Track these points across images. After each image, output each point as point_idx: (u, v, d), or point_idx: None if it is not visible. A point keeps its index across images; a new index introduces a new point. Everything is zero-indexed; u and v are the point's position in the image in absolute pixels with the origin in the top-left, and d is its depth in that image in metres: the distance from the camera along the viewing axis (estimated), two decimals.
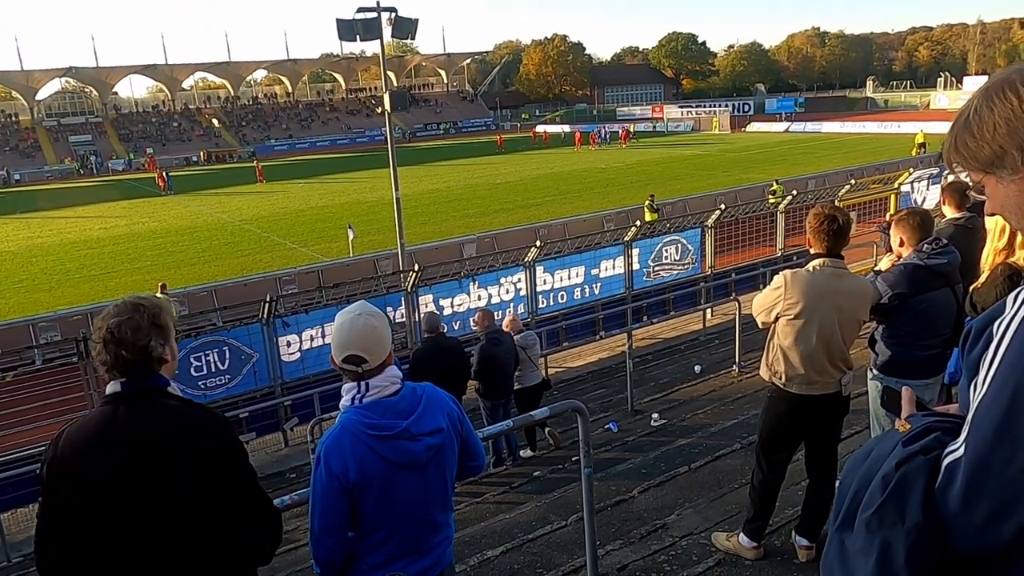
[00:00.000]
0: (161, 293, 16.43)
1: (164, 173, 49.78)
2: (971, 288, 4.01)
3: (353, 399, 2.43)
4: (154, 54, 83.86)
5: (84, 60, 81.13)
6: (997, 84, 1.13)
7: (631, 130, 64.79)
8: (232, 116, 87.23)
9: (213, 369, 11.64)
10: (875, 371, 4.23)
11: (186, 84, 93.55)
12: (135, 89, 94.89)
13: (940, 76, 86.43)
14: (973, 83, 77.73)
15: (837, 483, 4.37)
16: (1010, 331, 1.03)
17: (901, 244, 4.06)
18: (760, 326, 4.07)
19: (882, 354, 4.14)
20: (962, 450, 1.04)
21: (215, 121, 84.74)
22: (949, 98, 76.40)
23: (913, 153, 36.09)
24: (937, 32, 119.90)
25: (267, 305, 11.90)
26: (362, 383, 2.42)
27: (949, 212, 4.81)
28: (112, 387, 2.17)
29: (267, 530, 2.32)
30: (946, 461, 1.06)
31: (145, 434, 2.10)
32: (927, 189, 19.70)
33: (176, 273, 23.13)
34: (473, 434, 2.70)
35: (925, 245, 3.97)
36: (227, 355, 11.75)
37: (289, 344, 12.32)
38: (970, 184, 5.13)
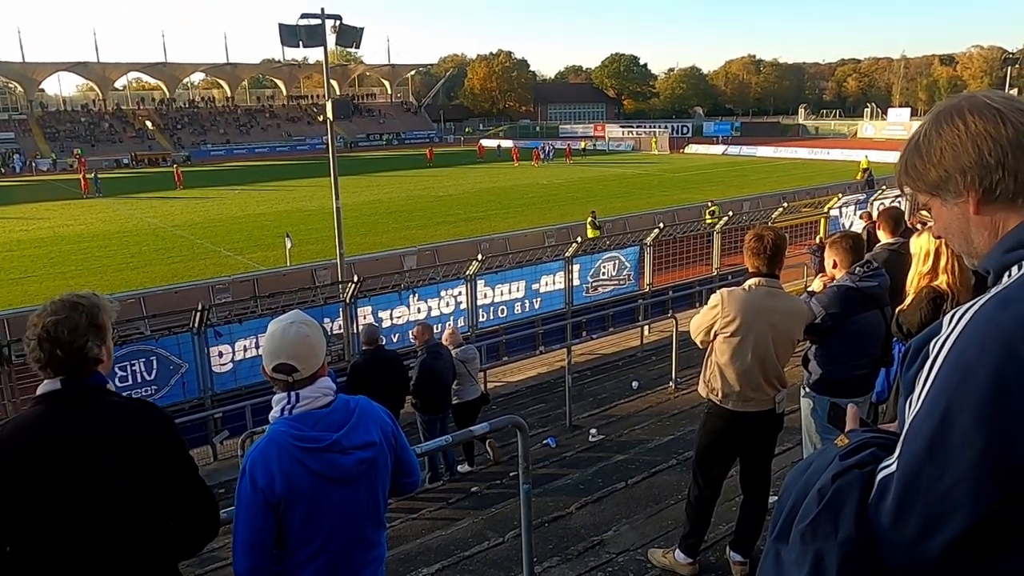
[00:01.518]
0: None
1: (90, 175, 47.79)
2: (897, 310, 4.17)
3: (283, 410, 2.35)
4: (86, 52, 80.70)
5: (9, 55, 76.96)
6: (946, 111, 1.17)
7: (580, 147, 65.54)
8: (167, 119, 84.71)
9: (139, 379, 11.20)
10: (808, 389, 4.35)
11: (119, 84, 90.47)
12: (64, 87, 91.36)
13: (867, 106, 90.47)
14: (897, 114, 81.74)
15: (771, 498, 4.49)
16: (944, 350, 1.05)
17: (834, 266, 4.20)
18: (700, 345, 4.13)
19: (815, 373, 4.26)
20: (895, 466, 1.05)
21: (148, 123, 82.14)
22: (875, 127, 79.93)
23: (857, 177, 37.72)
24: (864, 64, 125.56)
25: (199, 314, 11.53)
26: (292, 393, 2.34)
27: (883, 237, 5.00)
28: (49, 385, 2.11)
29: (205, 518, 2.26)
30: (879, 476, 1.08)
31: (92, 433, 2.06)
32: (854, 214, 20.52)
33: (103, 279, 22.23)
34: (408, 450, 2.64)
35: (857, 268, 4.11)
36: (154, 365, 11.33)
37: (221, 354, 11.95)
38: (903, 212, 5.35)
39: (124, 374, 11.04)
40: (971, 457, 0.97)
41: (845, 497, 1.09)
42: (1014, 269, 1.10)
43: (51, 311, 2.12)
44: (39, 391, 2.12)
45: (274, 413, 2.38)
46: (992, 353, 0.98)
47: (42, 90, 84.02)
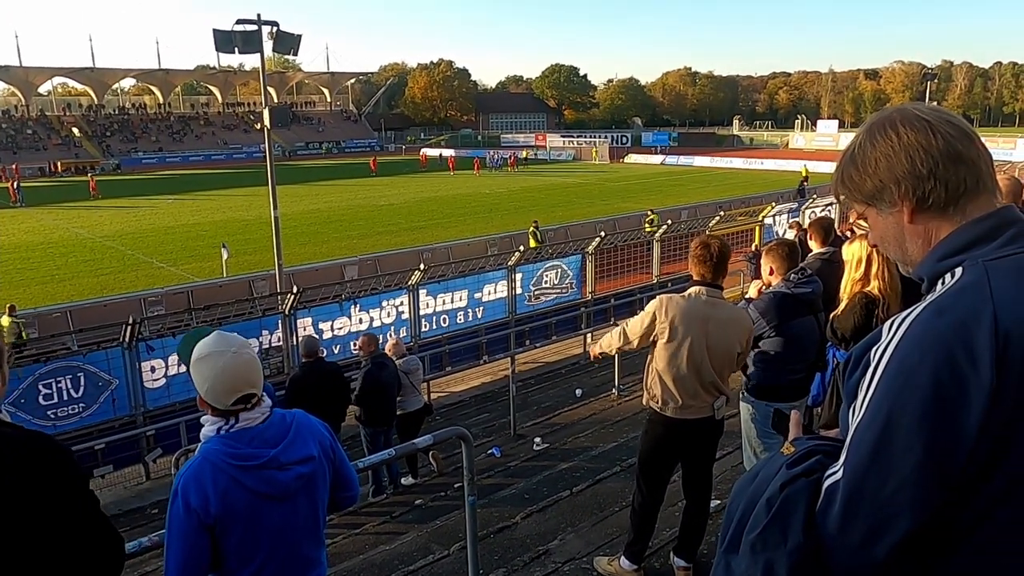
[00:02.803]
0: (9, 315, 15.03)
1: (16, 183, 45.80)
2: (832, 315, 4.29)
3: (219, 429, 2.25)
4: (7, 55, 77.11)
5: None
6: (879, 122, 1.20)
7: (523, 156, 65.90)
8: (95, 126, 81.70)
9: (65, 397, 10.70)
10: (746, 394, 4.43)
11: (43, 89, 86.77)
12: None
13: (797, 118, 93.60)
14: (825, 126, 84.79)
15: (714, 502, 4.54)
16: (885, 357, 1.07)
17: (771, 273, 4.29)
18: (632, 347, 4.15)
19: (752, 378, 4.34)
20: (840, 472, 1.07)
21: (75, 130, 79.09)
22: (805, 138, 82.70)
23: (804, 184, 39.40)
24: (795, 78, 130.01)
25: (129, 328, 11.10)
26: (231, 417, 2.25)
27: (814, 246, 5.14)
28: None
29: (108, 559, 2.07)
30: (826, 484, 1.09)
31: None
32: (787, 222, 21.16)
33: (26, 292, 21.23)
34: (346, 463, 2.57)
35: (792, 275, 4.21)
36: (82, 382, 10.85)
37: (154, 369, 11.53)
38: (833, 221, 5.53)
39: (49, 391, 10.56)
40: (913, 462, 0.99)
41: (793, 506, 1.09)
42: (947, 277, 1.12)
43: None
44: None
45: (207, 431, 2.28)
46: (931, 360, 1.01)
47: None
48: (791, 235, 18.06)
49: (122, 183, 56.52)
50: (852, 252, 4.19)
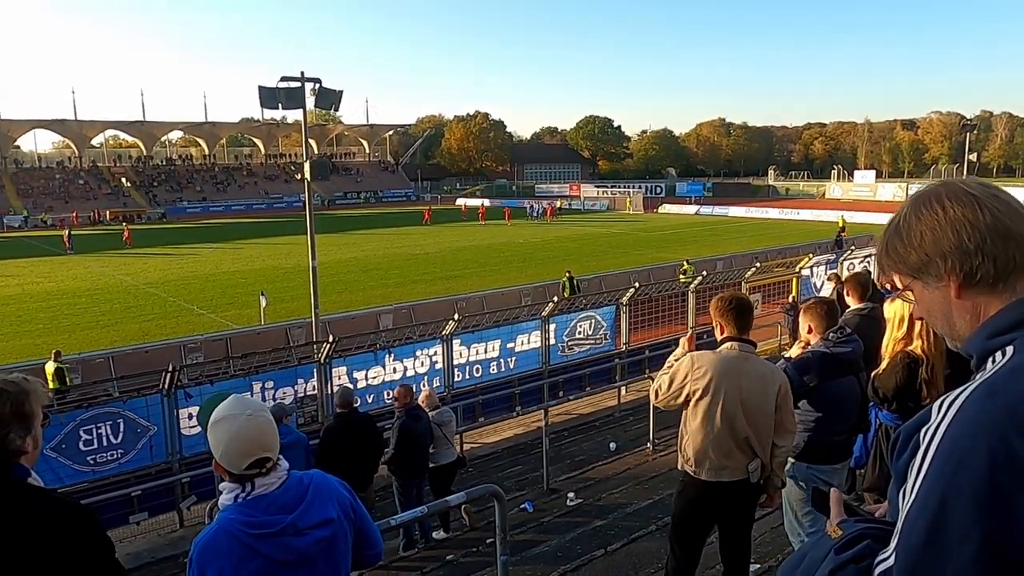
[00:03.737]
0: (55, 360, 15.38)
1: (64, 232, 47.50)
2: (873, 374, 4.19)
3: (236, 497, 2.23)
4: (64, 109, 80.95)
5: None
6: (925, 196, 1.20)
7: (557, 206, 66.36)
8: (143, 176, 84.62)
9: (105, 443, 10.85)
10: None
11: (96, 141, 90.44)
12: (39, 144, 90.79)
13: (833, 168, 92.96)
14: (862, 176, 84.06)
15: (753, 566, 4.38)
16: (936, 439, 1.04)
17: (809, 331, 4.23)
18: (663, 408, 4.07)
19: None
20: (892, 559, 1.03)
21: (124, 180, 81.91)
22: (841, 189, 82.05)
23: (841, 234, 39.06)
24: (830, 128, 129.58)
25: (168, 375, 11.28)
26: (247, 483, 2.22)
27: (852, 302, 5.06)
28: None
29: None
30: (877, 571, 1.06)
31: (1, 536, 1.92)
32: (825, 274, 20.88)
33: (71, 338, 21.78)
34: (368, 520, 2.53)
35: (831, 334, 4.14)
36: (121, 428, 11.01)
37: (191, 417, 11.64)
38: (871, 276, 5.44)
39: (90, 437, 10.72)
40: (970, 551, 0.96)
41: None
42: (998, 355, 1.10)
43: None
44: None
45: (224, 499, 2.27)
46: (984, 443, 0.98)
47: (17, 147, 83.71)
48: (829, 287, 17.83)
49: (167, 231, 58.20)
50: (894, 310, 4.12)
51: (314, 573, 2.30)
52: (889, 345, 4.12)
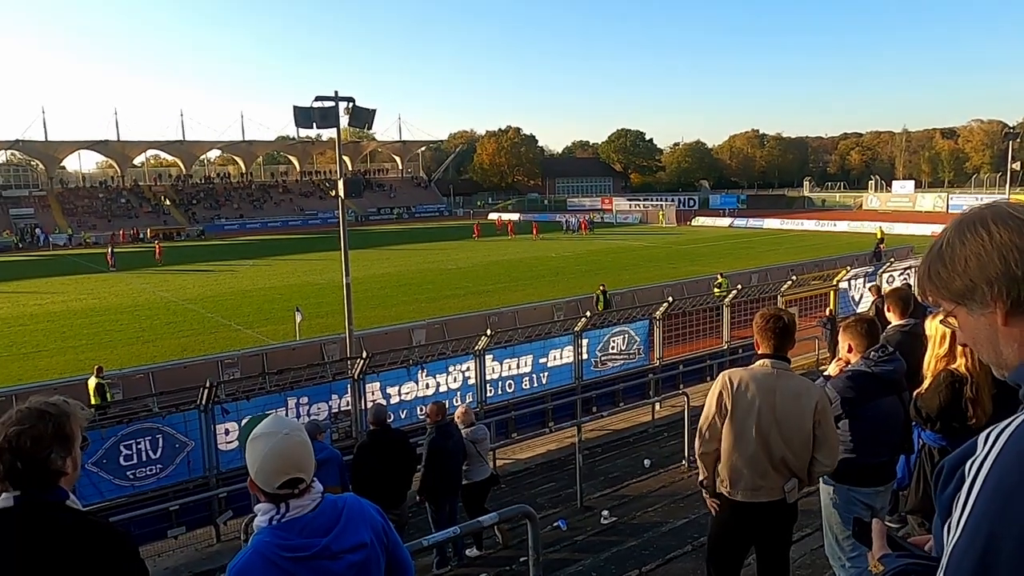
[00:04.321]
0: (97, 376, 15.73)
1: (106, 249, 48.81)
2: (915, 394, 4.09)
3: (271, 519, 2.24)
4: (107, 130, 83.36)
5: (33, 134, 79.16)
6: (969, 219, 1.16)
7: (591, 219, 66.23)
8: (183, 194, 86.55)
9: (144, 458, 11.03)
10: (827, 477, 4.21)
11: (137, 161, 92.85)
12: (84, 164, 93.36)
13: (871, 179, 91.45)
14: (901, 186, 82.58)
15: None
16: (982, 473, 1.01)
17: (849, 350, 4.14)
18: (703, 448, 3.97)
19: None
20: None
21: (165, 198, 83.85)
22: (879, 200, 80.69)
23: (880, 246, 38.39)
24: (867, 138, 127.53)
25: (207, 391, 11.45)
26: (282, 504, 2.23)
27: (893, 319, 4.94)
28: (2, 502, 2.02)
29: None
30: None
31: (40, 557, 1.96)
32: (863, 287, 20.51)
33: (113, 353, 22.27)
34: (400, 546, 2.52)
35: (872, 353, 4.04)
36: (160, 443, 11.18)
37: (227, 432, 11.80)
38: (912, 291, 5.32)
39: (129, 452, 10.91)
40: None
41: None
42: None
43: (15, 420, 2.04)
44: None
45: (259, 521, 2.27)
46: None
47: (63, 167, 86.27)
48: (869, 299, 17.48)
49: (205, 248, 59.33)
50: (936, 327, 4.01)
51: None
52: (931, 363, 4.01)
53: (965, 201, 71.33)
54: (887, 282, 19.04)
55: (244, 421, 11.04)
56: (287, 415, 10.28)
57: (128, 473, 10.91)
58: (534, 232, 59.61)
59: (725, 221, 69.89)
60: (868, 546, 1.33)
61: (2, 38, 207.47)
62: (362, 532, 2.33)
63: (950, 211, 69.10)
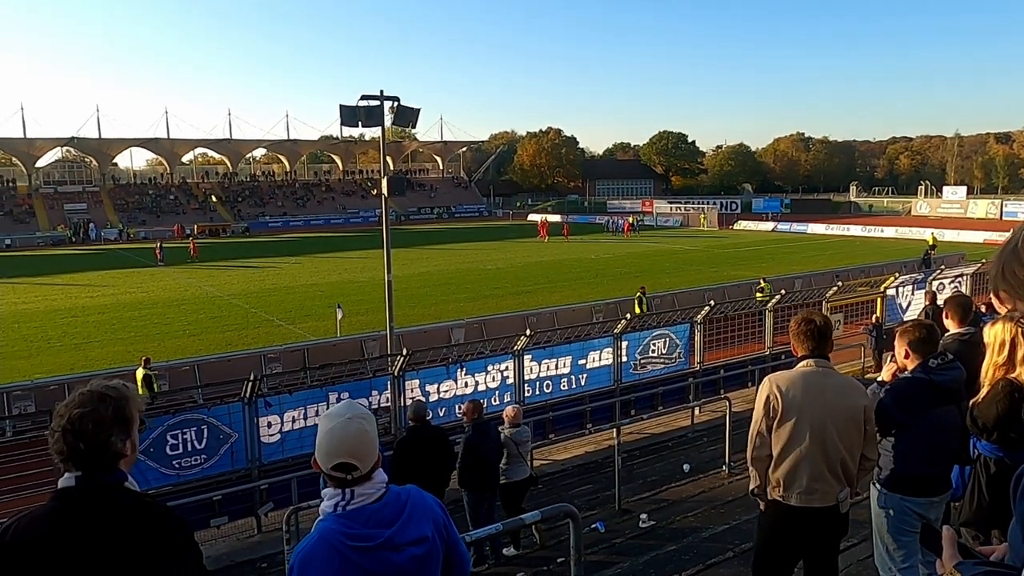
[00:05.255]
0: (144, 367, 16.14)
1: (154, 244, 50.15)
2: (972, 403, 3.96)
3: (336, 506, 2.27)
4: (157, 128, 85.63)
5: (88, 131, 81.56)
6: None
7: (631, 221, 65.75)
8: (229, 192, 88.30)
9: (189, 448, 11.28)
10: (879, 486, 4.11)
11: (186, 158, 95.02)
12: (135, 161, 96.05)
13: (921, 184, 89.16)
14: (952, 192, 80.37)
15: None
16: None
17: (906, 356, 4.03)
18: (754, 459, 3.91)
19: (886, 468, 4.04)
20: None
21: (213, 196, 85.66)
22: (929, 206, 78.64)
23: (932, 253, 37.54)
24: (917, 143, 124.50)
25: (250, 384, 11.66)
26: (347, 490, 2.27)
27: (951, 326, 4.80)
28: (65, 481, 2.08)
29: None
30: None
31: (100, 536, 2.01)
32: (912, 293, 19.99)
33: (160, 346, 22.82)
34: (459, 541, 2.53)
35: (932, 360, 3.93)
36: (205, 434, 11.42)
37: (270, 425, 12.01)
38: (971, 298, 5.16)
39: (176, 442, 11.16)
40: None
41: None
42: None
43: (77, 403, 2.08)
44: (59, 485, 2.09)
45: (325, 507, 2.31)
46: None
47: (115, 164, 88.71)
48: (918, 306, 17.04)
49: (250, 245, 60.46)
50: (994, 334, 3.87)
51: None
52: (989, 371, 3.87)
53: (1020, 208, 69.17)
54: (937, 290, 18.53)
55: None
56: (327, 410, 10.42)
57: (174, 462, 11.16)
58: (564, 233, 59.08)
59: (768, 225, 68.79)
60: (935, 553, 1.29)
61: (62, 40, 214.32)
62: (424, 526, 2.35)
63: (1004, 218, 67.06)
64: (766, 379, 3.85)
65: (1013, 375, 3.79)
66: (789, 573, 4.06)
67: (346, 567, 2.22)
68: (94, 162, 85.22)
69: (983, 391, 3.90)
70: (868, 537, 4.76)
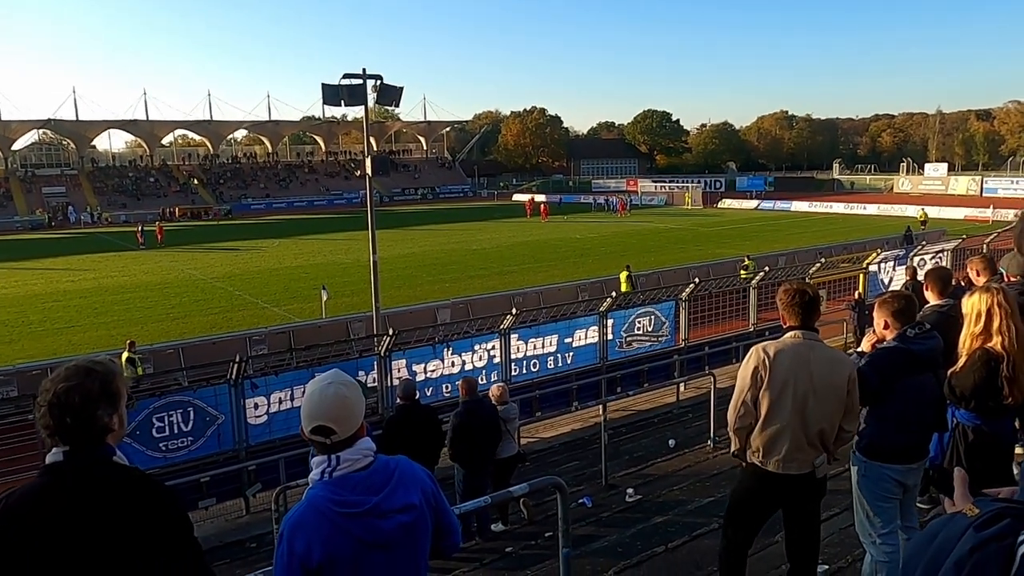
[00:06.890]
0: (129, 351, 16.04)
1: (136, 228, 49.66)
2: (949, 372, 4.04)
3: (323, 473, 2.30)
4: (136, 110, 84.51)
5: (65, 113, 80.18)
6: None
7: (627, 200, 65.43)
8: (210, 174, 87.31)
9: (176, 431, 11.26)
10: (857, 453, 4.20)
11: (166, 140, 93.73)
12: (114, 143, 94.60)
13: (903, 161, 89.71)
14: (934, 169, 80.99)
15: (820, 567, 4.27)
16: None
17: (885, 327, 4.09)
18: (736, 425, 3.97)
19: (865, 436, 4.12)
20: None
21: (194, 179, 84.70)
22: (911, 182, 79.24)
23: (921, 228, 38.34)
24: (899, 120, 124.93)
25: (236, 366, 11.63)
26: (333, 456, 2.30)
27: (931, 298, 4.87)
28: (53, 456, 2.08)
29: None
30: (1021, 550, 1.03)
31: (90, 510, 2.02)
32: (893, 270, 20.20)
33: (143, 329, 22.66)
34: (449, 511, 2.57)
35: (909, 330, 4.00)
36: (191, 416, 11.40)
37: (256, 406, 12.00)
38: (951, 272, 5.23)
39: (162, 425, 11.14)
40: None
41: (985, 570, 1.04)
42: None
43: (63, 377, 2.08)
44: (46, 460, 2.09)
45: (313, 475, 2.34)
46: None
47: (93, 146, 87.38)
48: (901, 280, 17.22)
49: (233, 227, 59.93)
50: (972, 304, 3.95)
51: (395, 559, 2.35)
52: (966, 341, 3.95)
53: (999, 184, 69.87)
54: (918, 265, 18.74)
55: None
56: None
57: (160, 444, 11.15)
58: (542, 214, 58.38)
59: (752, 204, 69.10)
60: (947, 494, 1.33)
61: (37, 20, 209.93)
62: (412, 494, 2.38)
63: (984, 194, 67.64)
64: (754, 348, 3.91)
65: (990, 344, 3.88)
66: (758, 529, 4.16)
67: (335, 533, 2.25)
68: (72, 145, 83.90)
69: (961, 361, 3.99)
70: (850, 507, 4.86)
